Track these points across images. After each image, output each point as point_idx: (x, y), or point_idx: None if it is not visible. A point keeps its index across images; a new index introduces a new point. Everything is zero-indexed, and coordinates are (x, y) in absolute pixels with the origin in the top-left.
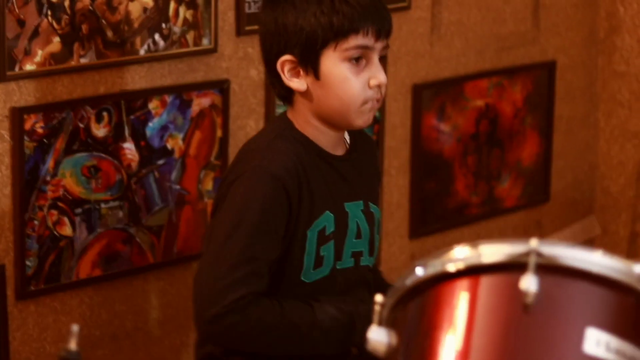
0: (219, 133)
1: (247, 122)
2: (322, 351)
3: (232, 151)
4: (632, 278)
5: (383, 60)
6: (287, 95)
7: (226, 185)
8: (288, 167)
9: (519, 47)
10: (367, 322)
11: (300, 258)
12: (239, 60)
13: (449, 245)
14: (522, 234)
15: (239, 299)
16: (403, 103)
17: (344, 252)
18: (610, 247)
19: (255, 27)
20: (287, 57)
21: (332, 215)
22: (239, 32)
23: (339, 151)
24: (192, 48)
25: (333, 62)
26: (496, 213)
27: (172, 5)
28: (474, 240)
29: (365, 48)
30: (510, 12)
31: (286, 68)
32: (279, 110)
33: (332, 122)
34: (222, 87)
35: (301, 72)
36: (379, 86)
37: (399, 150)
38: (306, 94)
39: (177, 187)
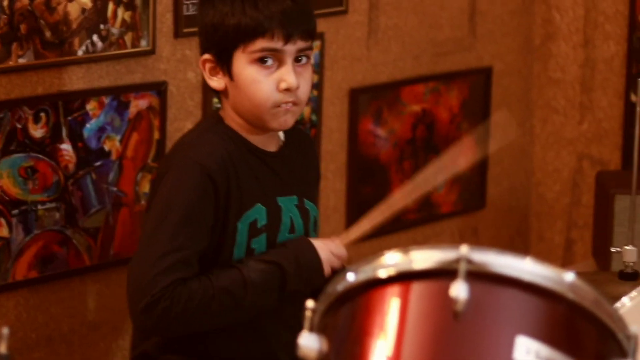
0: (156, 135)
1: (184, 125)
2: (262, 306)
3: None
4: (562, 286)
5: (321, 62)
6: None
7: (158, 179)
8: (215, 158)
9: (455, 52)
10: (296, 264)
11: (230, 249)
12: (176, 62)
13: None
14: (459, 240)
15: (168, 285)
16: (340, 107)
17: None
18: (546, 255)
19: (194, 29)
20: (207, 56)
21: (264, 208)
22: (177, 34)
23: (271, 147)
24: (130, 49)
25: (242, 64)
26: (432, 219)
27: (111, 6)
28: (410, 246)
29: (273, 51)
30: (447, 18)
31: (207, 67)
32: None
33: (249, 122)
34: (159, 89)
35: (220, 72)
36: (289, 89)
37: (335, 154)
38: (225, 93)
39: (114, 189)
